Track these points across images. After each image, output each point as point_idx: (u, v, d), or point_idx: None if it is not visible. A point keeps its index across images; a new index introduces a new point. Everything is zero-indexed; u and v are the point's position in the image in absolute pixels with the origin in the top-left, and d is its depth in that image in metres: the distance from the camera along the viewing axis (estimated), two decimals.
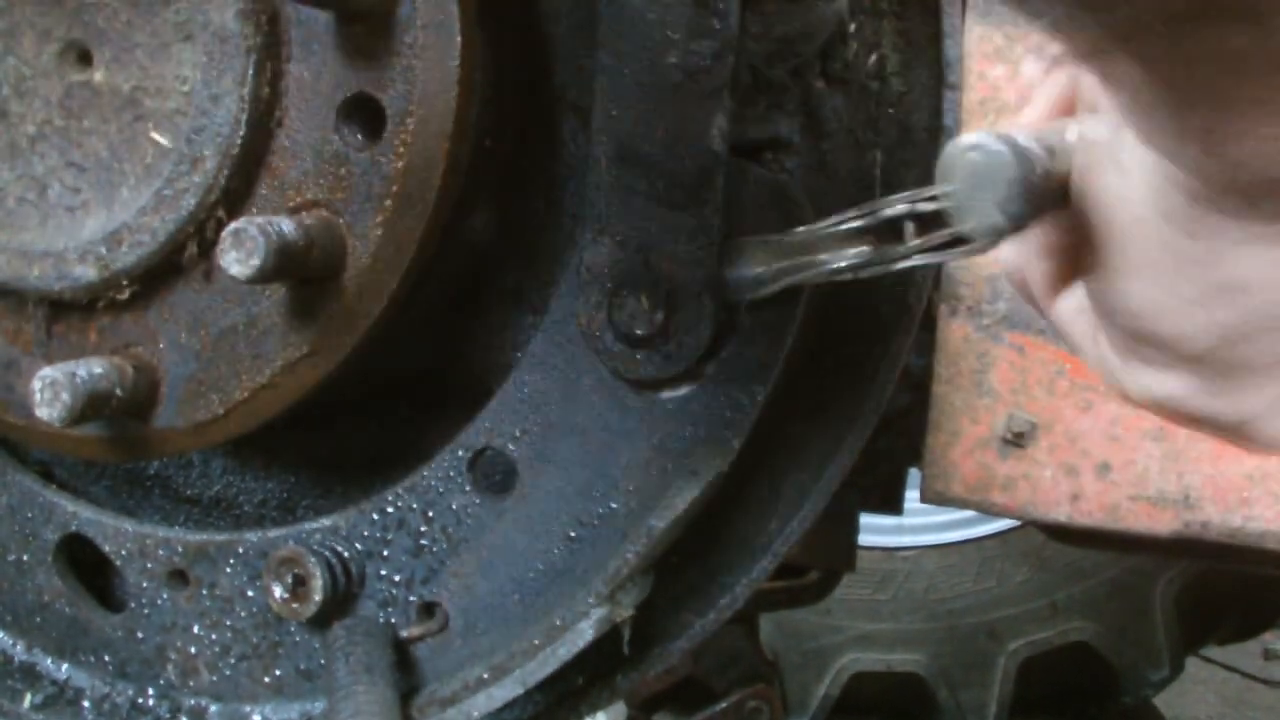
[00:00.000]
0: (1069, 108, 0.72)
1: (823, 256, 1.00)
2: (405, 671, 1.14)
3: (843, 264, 0.99)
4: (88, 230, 1.07)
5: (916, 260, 0.92)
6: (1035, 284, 0.76)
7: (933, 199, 0.89)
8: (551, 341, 1.09)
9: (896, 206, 0.92)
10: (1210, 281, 0.61)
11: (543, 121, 1.16)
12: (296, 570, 1.12)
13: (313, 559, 1.12)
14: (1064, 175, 0.69)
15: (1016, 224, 0.67)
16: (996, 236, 0.68)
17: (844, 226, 0.98)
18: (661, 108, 1.01)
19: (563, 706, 1.19)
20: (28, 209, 1.09)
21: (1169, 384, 0.66)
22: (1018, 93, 1.33)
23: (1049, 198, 0.68)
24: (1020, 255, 0.77)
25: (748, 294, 1.03)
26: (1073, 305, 0.73)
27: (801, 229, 1.01)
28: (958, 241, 0.89)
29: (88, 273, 1.07)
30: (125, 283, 1.08)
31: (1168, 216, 0.61)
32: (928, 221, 0.92)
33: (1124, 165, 0.63)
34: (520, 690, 1.07)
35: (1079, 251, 0.70)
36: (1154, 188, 0.61)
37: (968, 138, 0.68)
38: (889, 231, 0.95)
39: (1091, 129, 0.67)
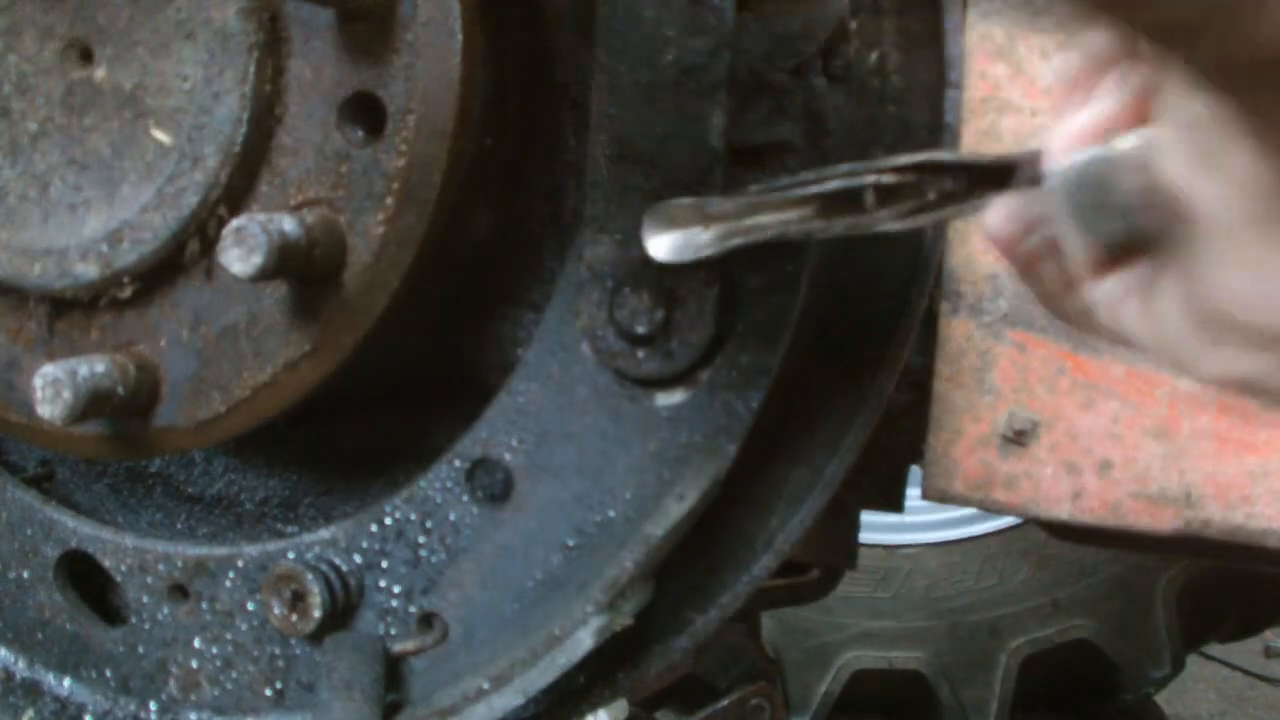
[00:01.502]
0: (1138, 107, 0.71)
1: (771, 215, 0.94)
2: (404, 683, 1.14)
3: (796, 227, 0.93)
4: (89, 228, 1.07)
5: (884, 226, 0.90)
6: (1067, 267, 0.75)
7: (897, 170, 0.88)
8: (547, 350, 1.09)
9: (862, 177, 0.90)
10: None
11: (544, 120, 1.16)
12: (295, 587, 1.12)
13: (310, 575, 1.11)
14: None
15: (1132, 237, 0.67)
16: (1113, 249, 0.68)
17: (795, 192, 0.95)
18: (659, 105, 1.01)
19: (565, 705, 1.19)
20: (29, 207, 1.09)
21: (1250, 363, 0.67)
22: (1022, 90, 1.33)
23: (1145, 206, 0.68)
24: (1044, 241, 0.76)
25: (683, 257, 0.98)
26: (1120, 288, 0.72)
27: (751, 188, 0.97)
28: (922, 210, 0.87)
29: (89, 271, 1.07)
30: (127, 281, 1.08)
31: (1265, 215, 0.61)
32: (890, 193, 0.90)
33: (1216, 163, 0.62)
34: (521, 699, 1.07)
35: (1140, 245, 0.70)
36: (1251, 185, 0.61)
37: (1079, 154, 0.67)
38: (845, 202, 0.92)
39: (1169, 130, 0.66)
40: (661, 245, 1.00)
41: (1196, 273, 0.66)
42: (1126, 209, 0.66)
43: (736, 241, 0.98)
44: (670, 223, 0.99)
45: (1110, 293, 0.72)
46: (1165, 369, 0.75)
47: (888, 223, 0.90)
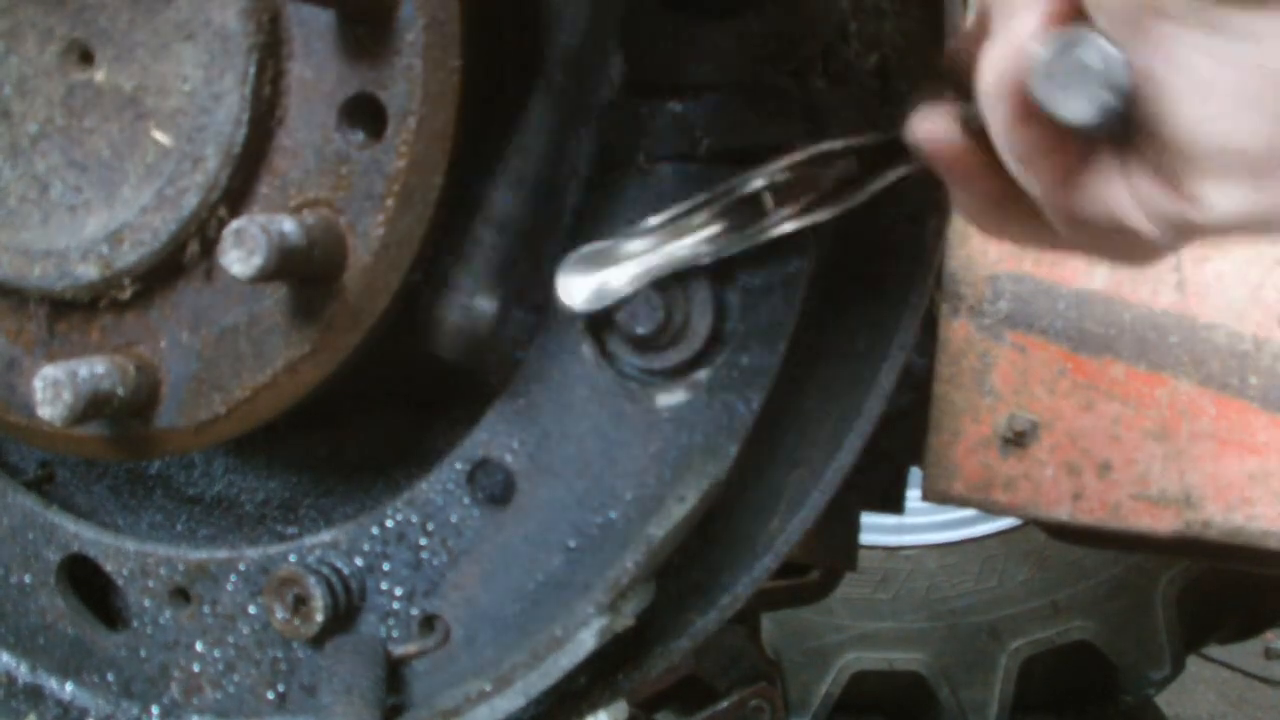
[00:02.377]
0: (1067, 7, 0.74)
1: (677, 245, 0.98)
2: (405, 685, 1.14)
3: (704, 249, 0.97)
4: (89, 229, 1.07)
5: (786, 227, 0.91)
6: (1048, 173, 0.78)
7: (788, 169, 0.89)
8: (547, 351, 1.09)
9: (752, 182, 0.92)
10: (1254, 82, 0.67)
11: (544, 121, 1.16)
12: (297, 590, 1.12)
13: (312, 579, 1.11)
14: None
15: (1110, 105, 0.70)
16: (1097, 118, 0.70)
17: (700, 213, 0.97)
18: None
19: (565, 706, 1.19)
20: (29, 208, 1.09)
21: (1245, 196, 0.71)
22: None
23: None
24: (1025, 159, 0.78)
25: (602, 303, 1.02)
26: (1107, 173, 0.76)
27: (651, 220, 1.00)
28: (822, 202, 0.89)
29: (89, 272, 1.07)
30: (127, 282, 1.08)
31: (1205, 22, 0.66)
32: (786, 191, 0.91)
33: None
34: (523, 701, 1.07)
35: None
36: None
37: (1073, 34, 0.70)
38: (748, 210, 0.94)
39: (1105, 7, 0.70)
40: (576, 292, 1.02)
41: (1168, 129, 0.70)
42: (1100, 77, 0.69)
43: (650, 277, 1.01)
44: (584, 267, 1.02)
45: (1100, 179, 0.76)
46: (1166, 248, 0.79)
47: (788, 222, 0.92)
